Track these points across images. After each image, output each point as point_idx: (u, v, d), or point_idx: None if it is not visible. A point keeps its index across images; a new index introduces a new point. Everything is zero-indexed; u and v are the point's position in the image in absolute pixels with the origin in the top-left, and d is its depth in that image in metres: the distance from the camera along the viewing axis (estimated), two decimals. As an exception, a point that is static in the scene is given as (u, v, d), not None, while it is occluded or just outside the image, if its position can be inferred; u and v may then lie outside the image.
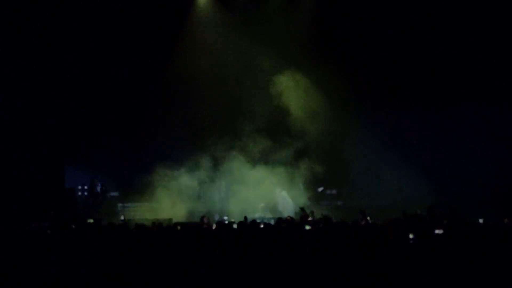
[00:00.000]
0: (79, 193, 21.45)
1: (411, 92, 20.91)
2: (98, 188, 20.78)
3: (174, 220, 17.28)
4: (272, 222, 14.53)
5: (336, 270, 7.71)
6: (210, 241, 9.26)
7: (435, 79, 20.93)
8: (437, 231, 9.51)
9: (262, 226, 11.12)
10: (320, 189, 21.49)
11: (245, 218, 15.68)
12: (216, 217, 18.67)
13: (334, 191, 22.17)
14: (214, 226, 13.02)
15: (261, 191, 20.85)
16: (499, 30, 19.59)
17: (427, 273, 7.57)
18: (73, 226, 12.35)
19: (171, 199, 20.59)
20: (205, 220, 15.02)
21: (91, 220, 14.06)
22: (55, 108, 20.24)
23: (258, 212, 19.76)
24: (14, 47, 19.41)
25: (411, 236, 8.68)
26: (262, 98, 21.15)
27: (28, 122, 19.60)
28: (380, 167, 21.69)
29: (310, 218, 15.96)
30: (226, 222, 16.44)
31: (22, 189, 18.74)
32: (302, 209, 17.52)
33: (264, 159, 21.20)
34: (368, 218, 15.06)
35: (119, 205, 20.87)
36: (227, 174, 21.45)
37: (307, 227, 11.71)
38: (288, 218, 16.11)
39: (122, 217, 19.31)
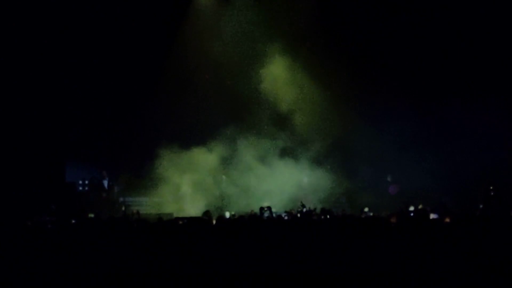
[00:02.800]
0: (80, 188, 21.40)
1: (412, 84, 20.85)
2: (106, 183, 20.75)
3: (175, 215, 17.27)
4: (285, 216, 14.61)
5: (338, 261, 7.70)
6: (210, 235, 9.24)
7: (438, 71, 20.86)
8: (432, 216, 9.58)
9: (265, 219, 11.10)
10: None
11: (261, 208, 15.71)
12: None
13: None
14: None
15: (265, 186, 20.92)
16: (499, 24, 19.55)
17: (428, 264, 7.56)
18: (73, 221, 12.35)
19: (177, 193, 20.64)
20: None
21: (92, 215, 14.04)
22: (55, 102, 20.18)
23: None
24: (15, 44, 19.37)
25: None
26: (262, 88, 21.13)
27: (29, 116, 19.54)
28: (384, 162, 21.59)
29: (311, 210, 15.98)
30: (228, 217, 16.46)
31: (23, 183, 18.71)
32: (302, 203, 17.58)
33: (267, 154, 21.18)
34: (366, 209, 15.11)
35: (121, 199, 20.85)
36: (230, 168, 21.45)
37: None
38: (293, 211, 16.17)
39: (123, 208, 19.32)
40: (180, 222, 12.02)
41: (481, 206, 13.58)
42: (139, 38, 20.62)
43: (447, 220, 13.52)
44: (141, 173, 20.55)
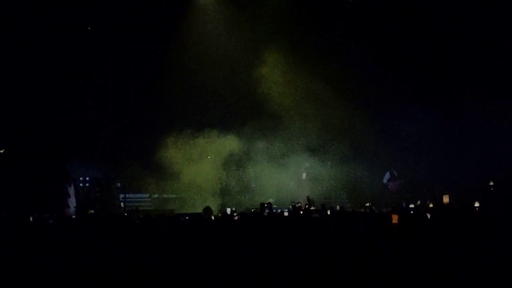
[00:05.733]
0: (81, 185, 21.38)
1: (414, 83, 20.86)
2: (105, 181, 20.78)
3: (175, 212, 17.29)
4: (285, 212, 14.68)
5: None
6: (210, 232, 9.25)
7: (440, 70, 20.90)
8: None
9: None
10: None
11: (262, 204, 15.72)
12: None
13: None
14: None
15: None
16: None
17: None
18: (74, 217, 12.39)
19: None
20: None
21: (92, 211, 14.07)
22: (56, 100, 20.20)
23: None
24: (18, 43, 19.43)
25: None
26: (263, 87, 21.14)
27: (30, 114, 19.58)
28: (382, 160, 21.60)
29: (312, 208, 16.03)
30: (229, 213, 16.48)
31: (24, 181, 18.74)
32: (308, 198, 17.65)
33: (271, 150, 21.23)
34: (367, 204, 15.15)
35: (121, 196, 20.85)
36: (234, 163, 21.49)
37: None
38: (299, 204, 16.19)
39: (122, 205, 19.33)
40: (181, 219, 12.07)
41: (480, 201, 13.63)
42: (140, 32, 20.64)
43: (446, 200, 13.63)
44: (146, 166, 20.50)
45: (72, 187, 19.25)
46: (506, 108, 19.80)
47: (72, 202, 18.78)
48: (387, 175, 21.45)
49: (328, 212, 12.95)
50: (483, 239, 8.25)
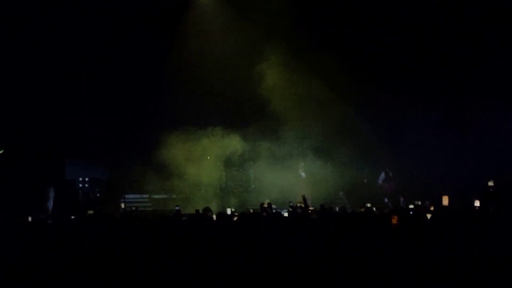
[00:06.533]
0: (80, 185, 21.37)
1: (413, 82, 20.88)
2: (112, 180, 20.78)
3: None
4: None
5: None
6: (209, 232, 9.25)
7: (439, 69, 20.92)
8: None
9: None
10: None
11: (261, 205, 15.70)
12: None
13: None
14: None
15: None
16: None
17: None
18: (73, 217, 12.41)
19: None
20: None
21: (91, 212, 14.07)
22: (55, 99, 20.19)
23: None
24: (18, 43, 19.44)
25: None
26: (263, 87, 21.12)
27: (29, 113, 19.58)
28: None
29: (311, 208, 16.00)
30: (229, 213, 16.47)
31: (23, 181, 18.75)
32: (303, 197, 17.58)
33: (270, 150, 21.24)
34: (368, 205, 15.14)
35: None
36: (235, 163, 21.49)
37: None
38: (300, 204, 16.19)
39: (122, 206, 19.31)
40: (183, 218, 12.06)
41: (480, 201, 13.68)
42: (140, 31, 20.64)
43: (446, 202, 13.62)
44: (147, 165, 20.47)
45: (52, 189, 19.22)
46: (506, 108, 19.85)
47: (49, 205, 18.74)
48: (382, 176, 21.41)
49: (328, 213, 12.95)
50: (483, 239, 8.25)
